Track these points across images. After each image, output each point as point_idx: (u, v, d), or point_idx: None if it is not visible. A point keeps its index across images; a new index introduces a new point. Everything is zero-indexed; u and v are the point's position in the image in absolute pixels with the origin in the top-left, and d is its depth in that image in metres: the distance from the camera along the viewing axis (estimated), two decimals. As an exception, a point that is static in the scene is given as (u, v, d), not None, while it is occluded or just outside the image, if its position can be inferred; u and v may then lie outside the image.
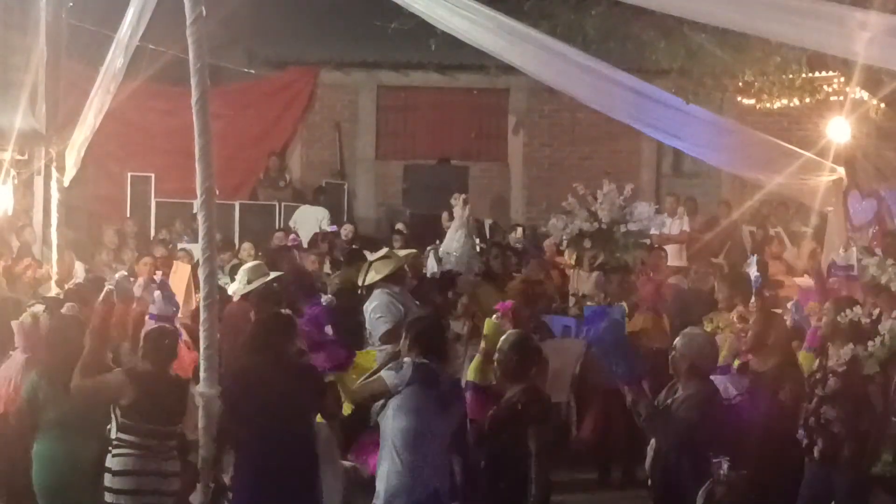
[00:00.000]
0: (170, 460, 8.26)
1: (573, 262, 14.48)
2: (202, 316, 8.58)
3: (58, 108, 13.76)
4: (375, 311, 11.02)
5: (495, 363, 8.26)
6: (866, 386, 8.37)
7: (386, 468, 7.57)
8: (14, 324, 9.60)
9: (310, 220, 19.10)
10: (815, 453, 8.45)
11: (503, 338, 8.36)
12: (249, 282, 10.67)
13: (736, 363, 9.63)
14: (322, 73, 21.74)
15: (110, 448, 8.20)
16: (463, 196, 16.22)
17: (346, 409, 8.86)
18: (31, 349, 9.23)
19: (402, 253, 12.67)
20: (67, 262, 14.37)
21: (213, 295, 8.68)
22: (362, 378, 8.21)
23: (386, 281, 11.29)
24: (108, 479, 8.12)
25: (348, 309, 11.56)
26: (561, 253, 15.32)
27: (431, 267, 14.61)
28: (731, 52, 14.26)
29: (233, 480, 7.98)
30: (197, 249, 9.81)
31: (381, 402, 7.66)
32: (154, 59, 14.89)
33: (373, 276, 11.40)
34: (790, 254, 15.55)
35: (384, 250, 11.98)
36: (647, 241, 14.71)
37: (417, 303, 11.76)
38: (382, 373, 7.70)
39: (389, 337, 10.65)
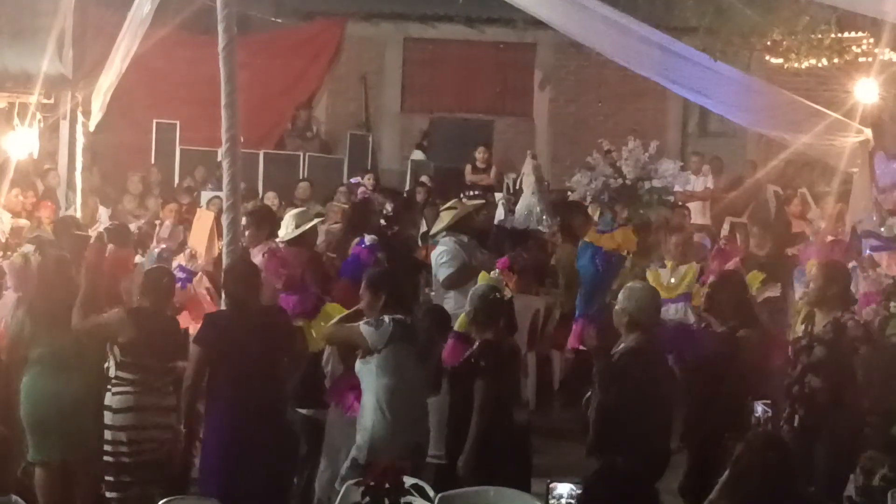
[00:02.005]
0: (168, 395, 8.30)
1: (597, 217, 14.46)
2: (225, 263, 8.64)
3: (85, 53, 13.72)
4: (441, 257, 10.93)
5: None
6: (852, 355, 8.08)
7: (370, 420, 7.73)
8: (5, 263, 9.67)
9: None
10: (796, 423, 8.13)
11: (473, 289, 8.50)
12: (297, 227, 10.68)
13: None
14: (349, 24, 21.65)
15: (109, 387, 8.21)
16: (532, 153, 16.57)
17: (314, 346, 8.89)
18: (22, 288, 9.29)
19: (470, 203, 12.66)
20: (91, 207, 14.44)
21: (235, 242, 8.73)
22: (339, 317, 8.25)
23: (453, 230, 11.30)
24: (108, 417, 8.16)
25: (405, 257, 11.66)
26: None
27: (500, 216, 14.69)
28: (760, 10, 14.16)
29: (205, 423, 8.04)
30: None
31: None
32: (182, 7, 14.83)
33: (438, 225, 11.38)
34: (814, 214, 15.50)
35: (454, 200, 11.99)
36: (671, 199, 14.68)
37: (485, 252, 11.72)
38: (361, 326, 7.79)
39: (451, 282, 10.69)
